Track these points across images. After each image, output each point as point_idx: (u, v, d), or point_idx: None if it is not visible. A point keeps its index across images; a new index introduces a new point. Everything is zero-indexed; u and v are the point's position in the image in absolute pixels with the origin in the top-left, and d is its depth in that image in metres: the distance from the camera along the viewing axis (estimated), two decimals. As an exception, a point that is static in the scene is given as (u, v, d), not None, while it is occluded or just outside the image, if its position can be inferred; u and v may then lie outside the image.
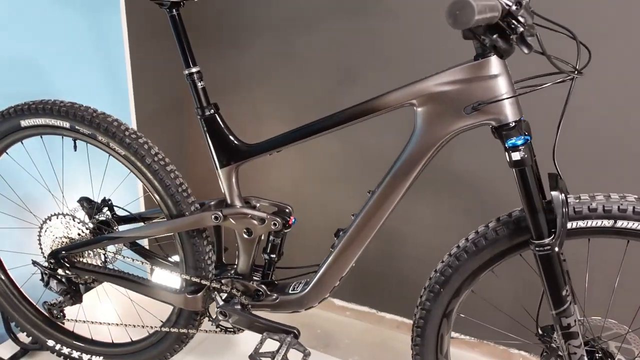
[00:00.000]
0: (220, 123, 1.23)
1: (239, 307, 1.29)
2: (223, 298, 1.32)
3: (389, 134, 1.67)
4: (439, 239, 1.79)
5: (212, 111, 1.22)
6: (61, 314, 1.47)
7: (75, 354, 1.56)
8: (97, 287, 1.69)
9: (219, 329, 1.35)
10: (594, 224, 1.00)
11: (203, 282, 1.31)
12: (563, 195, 0.99)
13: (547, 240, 0.99)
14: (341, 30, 1.71)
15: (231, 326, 1.32)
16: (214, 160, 1.24)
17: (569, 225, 1.01)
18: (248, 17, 1.90)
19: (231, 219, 1.25)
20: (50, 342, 1.58)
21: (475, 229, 1.12)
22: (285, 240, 1.28)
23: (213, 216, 1.24)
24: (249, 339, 1.67)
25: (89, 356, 1.55)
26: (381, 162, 1.57)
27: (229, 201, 1.26)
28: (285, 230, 1.25)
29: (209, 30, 2.02)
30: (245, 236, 1.25)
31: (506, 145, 0.97)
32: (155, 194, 1.29)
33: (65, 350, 1.57)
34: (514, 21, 0.75)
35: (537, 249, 1.00)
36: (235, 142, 1.23)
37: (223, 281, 1.31)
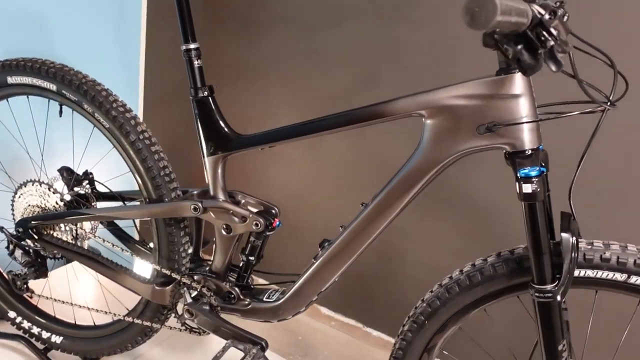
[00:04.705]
0: (213, 108, 1.13)
1: (207, 307, 1.20)
2: (192, 296, 1.22)
3: (398, 144, 1.57)
4: (441, 262, 1.69)
5: (205, 93, 1.13)
6: (24, 286, 1.39)
7: (35, 330, 1.48)
8: (68, 266, 1.62)
9: (183, 328, 1.25)
10: (604, 276, 0.89)
11: (174, 275, 1.21)
12: (574, 238, 0.88)
13: (549, 287, 0.89)
14: (367, 33, 1.63)
15: (196, 327, 1.23)
16: (201, 147, 1.15)
17: (576, 272, 0.90)
18: (277, 6, 1.81)
19: (211, 212, 1.15)
20: (12, 314, 1.49)
21: (477, 259, 1.01)
22: (266, 243, 1.18)
23: (192, 206, 1.14)
24: (220, 340, 1.60)
25: (48, 334, 1.46)
26: (384, 173, 1.47)
27: (211, 193, 1.16)
28: (268, 233, 1.15)
29: (232, 13, 1.94)
30: (224, 233, 1.16)
31: (518, 175, 0.86)
32: (136, 174, 1.20)
33: (26, 325, 1.48)
34: (544, 33, 0.64)
35: (536, 294, 0.89)
36: (227, 130, 1.13)
37: (195, 277, 1.22)
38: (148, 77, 1.99)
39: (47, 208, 1.32)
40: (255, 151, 1.12)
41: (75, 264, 1.46)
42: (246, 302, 1.19)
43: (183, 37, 1.11)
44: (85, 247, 1.33)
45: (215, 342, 1.69)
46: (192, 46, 1.11)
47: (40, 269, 1.34)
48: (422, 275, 1.75)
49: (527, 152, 0.87)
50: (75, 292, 1.58)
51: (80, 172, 1.37)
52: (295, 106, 1.88)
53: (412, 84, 1.55)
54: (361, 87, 1.71)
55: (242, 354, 1.12)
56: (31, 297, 1.50)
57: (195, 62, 1.12)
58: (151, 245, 1.33)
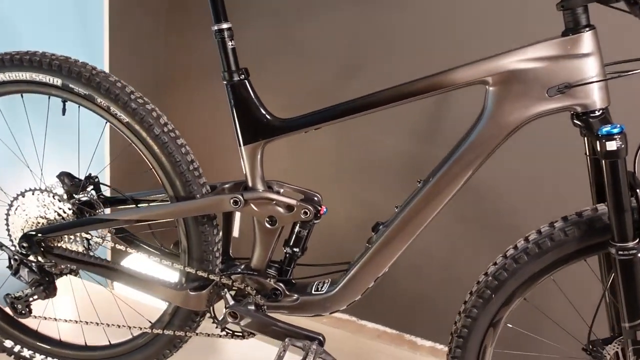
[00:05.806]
0: (250, 91, 1.05)
1: (252, 307, 1.12)
2: (233, 296, 1.14)
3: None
4: (433, 246, 1.66)
5: (241, 77, 1.04)
6: (27, 309, 1.24)
7: (38, 358, 1.33)
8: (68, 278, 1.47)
9: (223, 333, 1.16)
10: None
11: (211, 277, 1.12)
12: (650, 195, 0.88)
13: (631, 244, 0.88)
14: (346, 19, 1.58)
15: (240, 330, 1.14)
16: (238, 135, 1.06)
17: (648, 228, 0.91)
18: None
19: (252, 205, 1.07)
20: (8, 343, 1.33)
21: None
22: (312, 233, 1.12)
23: (232, 200, 1.06)
24: (235, 344, 1.50)
25: (54, 360, 1.32)
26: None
27: (250, 184, 1.08)
28: (315, 221, 1.09)
29: (199, 8, 1.84)
30: (268, 226, 1.08)
31: (599, 134, 0.85)
32: (160, 171, 1.10)
33: (27, 353, 1.33)
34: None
35: (619, 252, 0.89)
36: (267, 115, 1.05)
37: (233, 277, 1.13)
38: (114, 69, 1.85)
39: (51, 219, 1.18)
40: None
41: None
42: (294, 298, 1.12)
43: (214, 17, 1.02)
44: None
45: (230, 348, 1.60)
46: (224, 26, 1.02)
47: (49, 287, 1.20)
48: (414, 262, 1.72)
49: (598, 111, 0.87)
50: (77, 308, 1.43)
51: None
52: (273, 99, 1.79)
53: (392, 70, 1.53)
54: (340, 77, 1.65)
55: (302, 353, 1.05)
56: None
57: (229, 44, 1.03)
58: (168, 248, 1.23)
